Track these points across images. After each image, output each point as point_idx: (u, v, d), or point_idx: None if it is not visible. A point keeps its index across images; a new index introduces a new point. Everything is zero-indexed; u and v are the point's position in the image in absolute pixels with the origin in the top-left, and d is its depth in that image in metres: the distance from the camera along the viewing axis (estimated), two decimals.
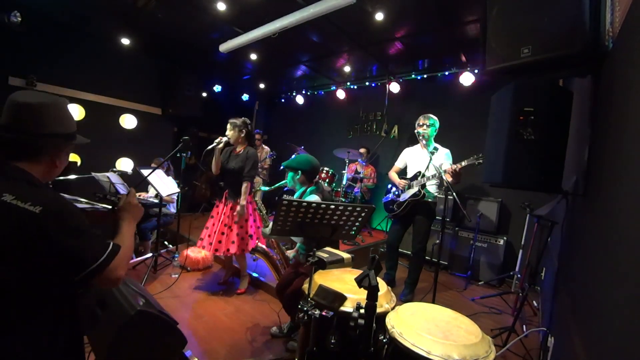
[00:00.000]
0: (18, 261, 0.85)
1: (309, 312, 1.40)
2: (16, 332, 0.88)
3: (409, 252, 3.55)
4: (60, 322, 0.98)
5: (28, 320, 0.90)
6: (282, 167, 2.43)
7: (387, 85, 5.25)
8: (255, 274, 3.25)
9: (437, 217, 3.36)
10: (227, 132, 2.92)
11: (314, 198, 2.21)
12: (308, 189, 2.32)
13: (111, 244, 0.97)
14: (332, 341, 1.34)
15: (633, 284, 0.74)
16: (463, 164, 2.66)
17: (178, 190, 3.66)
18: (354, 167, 5.23)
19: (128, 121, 5.46)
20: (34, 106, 0.93)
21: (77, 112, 4.79)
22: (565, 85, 2.54)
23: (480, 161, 2.53)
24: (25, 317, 0.90)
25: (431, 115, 3.07)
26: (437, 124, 3.07)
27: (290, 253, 2.47)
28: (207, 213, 3.20)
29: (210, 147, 2.97)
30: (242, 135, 2.91)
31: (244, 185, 2.83)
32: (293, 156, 2.77)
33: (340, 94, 5.97)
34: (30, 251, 0.85)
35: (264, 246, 2.67)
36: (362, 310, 1.22)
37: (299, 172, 2.31)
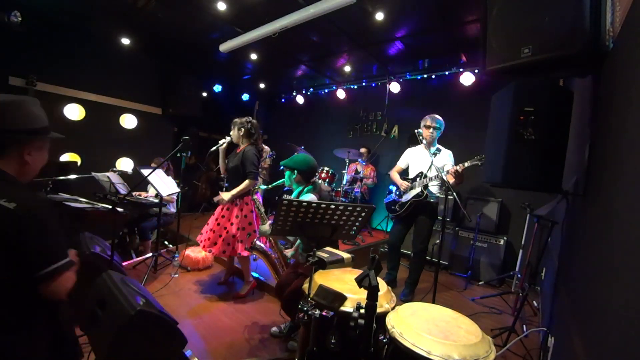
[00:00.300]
0: (4, 257, 0.87)
1: (309, 312, 1.39)
2: (16, 331, 0.88)
3: (409, 253, 3.55)
4: (57, 321, 0.99)
5: (27, 320, 0.90)
6: (281, 168, 2.43)
7: (387, 85, 5.25)
8: (255, 274, 3.25)
9: (438, 218, 3.36)
10: (231, 132, 2.95)
11: (310, 197, 2.21)
12: (305, 189, 2.32)
13: (69, 258, 1.00)
14: (332, 341, 1.34)
15: (633, 284, 0.74)
16: (466, 164, 2.65)
17: (178, 190, 3.67)
18: (354, 167, 5.23)
19: (128, 121, 5.45)
20: None
21: (77, 112, 4.79)
22: (566, 85, 2.54)
23: (483, 162, 2.50)
24: (24, 317, 0.90)
25: (438, 118, 3.04)
26: (443, 126, 3.06)
27: (288, 252, 2.46)
28: (207, 213, 3.20)
29: (213, 148, 2.97)
30: (241, 133, 2.91)
31: (245, 181, 2.77)
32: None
33: (340, 94, 5.97)
34: (10, 247, 0.87)
35: (262, 244, 2.66)
36: (362, 310, 1.22)
37: (295, 171, 2.31)
